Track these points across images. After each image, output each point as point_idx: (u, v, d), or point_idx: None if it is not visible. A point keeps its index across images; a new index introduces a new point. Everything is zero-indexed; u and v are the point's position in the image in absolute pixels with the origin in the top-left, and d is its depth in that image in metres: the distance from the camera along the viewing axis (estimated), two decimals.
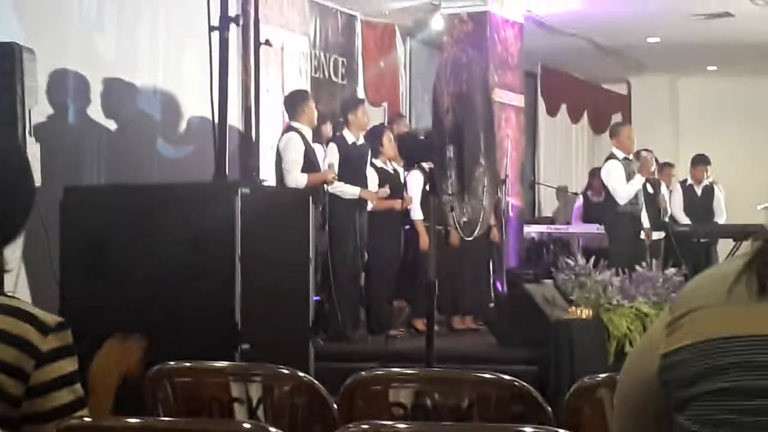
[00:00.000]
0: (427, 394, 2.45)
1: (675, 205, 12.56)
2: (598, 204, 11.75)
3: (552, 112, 16.17)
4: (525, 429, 2.29)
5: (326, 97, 11.80)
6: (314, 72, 11.65)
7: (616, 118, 17.48)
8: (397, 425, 2.18)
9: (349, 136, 8.90)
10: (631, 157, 10.53)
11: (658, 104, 17.17)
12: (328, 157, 8.64)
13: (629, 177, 10.35)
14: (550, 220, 14.60)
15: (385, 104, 13.14)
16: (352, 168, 8.68)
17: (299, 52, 10.75)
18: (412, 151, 6.24)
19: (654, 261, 8.58)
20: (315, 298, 8.90)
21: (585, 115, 16.96)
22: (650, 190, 11.35)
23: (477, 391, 2.45)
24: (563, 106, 16.38)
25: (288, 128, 8.50)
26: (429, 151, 5.62)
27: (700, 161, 12.91)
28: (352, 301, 8.84)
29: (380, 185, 9.22)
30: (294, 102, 8.43)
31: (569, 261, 7.60)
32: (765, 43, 14.06)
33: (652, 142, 16.66)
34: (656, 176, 11.70)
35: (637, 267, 8.37)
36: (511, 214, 12.58)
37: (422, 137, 6.61)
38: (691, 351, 1.52)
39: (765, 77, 16.06)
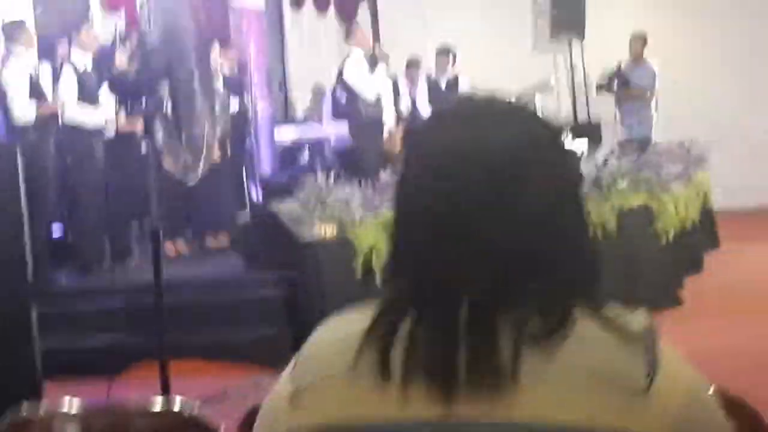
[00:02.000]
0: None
1: (420, 98, 12.52)
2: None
3: (296, 5, 15.83)
4: None
5: (58, 12, 11.19)
6: None
7: (363, 6, 17.34)
8: None
9: (78, 59, 8.44)
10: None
11: None
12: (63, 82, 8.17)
13: (372, 70, 10.22)
14: (301, 121, 14.39)
15: (121, 11, 12.58)
16: (88, 93, 8.24)
17: None
18: (122, 92, 5.91)
19: (395, 166, 8.48)
20: (57, 231, 8.59)
21: (331, 6, 16.68)
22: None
23: (148, 425, 2.25)
24: None
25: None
26: (140, 92, 5.31)
27: (443, 52, 12.87)
28: (96, 230, 8.49)
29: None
30: (6, 33, 7.93)
31: (310, 178, 7.43)
32: None
33: (400, 28, 16.67)
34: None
35: (381, 173, 8.31)
36: (260, 120, 12.36)
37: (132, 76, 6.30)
38: None
39: None
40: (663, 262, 8.53)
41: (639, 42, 13.46)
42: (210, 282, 7.66)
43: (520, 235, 1.40)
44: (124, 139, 8.64)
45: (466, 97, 1.60)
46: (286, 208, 7.49)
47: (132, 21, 12.25)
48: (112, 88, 7.50)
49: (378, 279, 7.52)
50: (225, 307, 7.30)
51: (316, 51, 16.36)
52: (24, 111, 7.65)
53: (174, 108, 7.76)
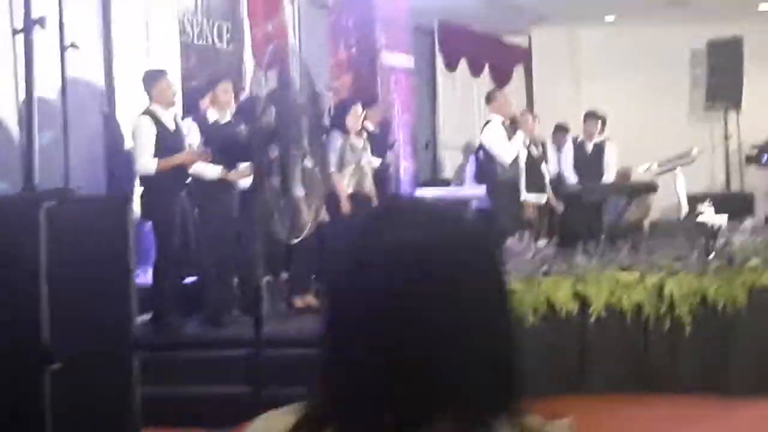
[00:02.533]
0: None
1: (565, 163, 12.46)
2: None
3: (451, 66, 15.99)
4: None
5: (211, 65, 11.55)
6: (196, 40, 11.38)
7: (518, 70, 17.41)
8: None
9: (212, 114, 8.66)
10: (508, 122, 10.46)
11: (558, 56, 17.06)
12: (189, 136, 8.40)
13: (510, 138, 10.28)
14: (446, 182, 14.46)
15: (276, 68, 12.88)
16: (216, 148, 8.44)
17: (169, 23, 10.44)
18: (229, 152, 6.01)
19: (527, 233, 8.48)
20: (190, 280, 8.76)
21: (486, 69, 16.79)
22: (534, 153, 11.28)
23: None
24: (463, 60, 16.21)
25: (143, 112, 8.22)
26: (248, 152, 5.40)
27: (592, 117, 12.77)
28: (225, 283, 8.66)
29: None
30: (144, 83, 8.15)
31: None
32: None
33: (554, 94, 16.67)
34: (539, 136, 11.65)
35: (509, 240, 8.28)
36: (403, 177, 12.45)
37: (241, 136, 6.40)
38: None
39: (663, 27, 15.99)
40: None
41: None
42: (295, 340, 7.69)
43: (446, 351, 1.38)
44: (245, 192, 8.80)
45: (394, 201, 1.56)
46: None
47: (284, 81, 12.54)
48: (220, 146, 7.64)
49: None
50: None
51: (467, 112, 16.47)
52: (147, 164, 7.88)
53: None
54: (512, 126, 10.44)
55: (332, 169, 9.93)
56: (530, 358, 6.02)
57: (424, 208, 1.48)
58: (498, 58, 16.94)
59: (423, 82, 15.79)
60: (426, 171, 14.62)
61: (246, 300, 8.74)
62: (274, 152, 5.70)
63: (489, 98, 10.71)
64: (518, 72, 17.42)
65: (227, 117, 8.73)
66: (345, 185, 10.07)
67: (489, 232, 1.47)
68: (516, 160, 10.44)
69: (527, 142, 10.97)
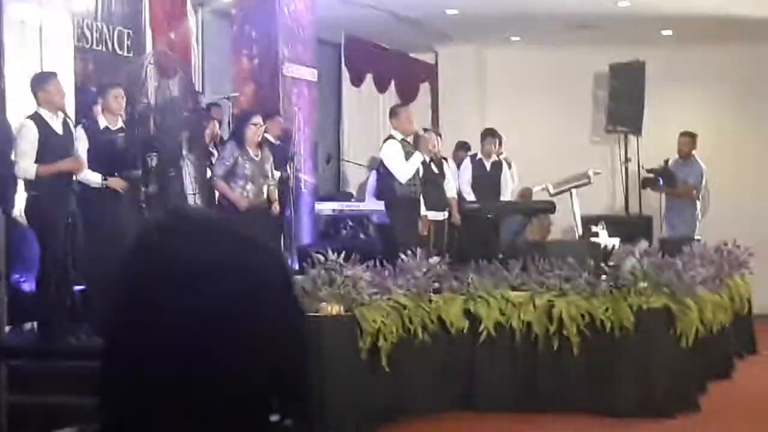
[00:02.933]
0: None
1: (463, 181, 12.49)
2: None
3: (357, 82, 15.96)
4: None
5: (111, 72, 11.36)
6: (96, 45, 11.20)
7: (424, 87, 17.42)
8: None
9: (102, 121, 8.51)
10: (409, 139, 10.44)
11: (464, 74, 17.11)
12: (79, 142, 8.23)
13: (408, 156, 10.26)
14: (348, 196, 14.41)
15: (177, 77, 12.75)
16: (102, 155, 8.29)
17: (64, 28, 10.25)
18: (111, 159, 5.88)
19: (419, 249, 8.45)
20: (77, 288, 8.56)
21: (392, 85, 16.79)
22: (435, 170, 11.28)
23: None
24: (369, 76, 16.18)
25: (29, 115, 8.01)
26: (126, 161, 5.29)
27: (489, 135, 12.83)
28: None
29: None
30: (32, 86, 7.98)
31: (319, 255, 7.38)
32: (565, 14, 14.09)
33: (460, 112, 16.73)
34: (440, 155, 11.67)
35: (402, 257, 8.25)
36: (303, 190, 12.38)
37: (121, 145, 6.29)
38: None
39: (568, 49, 16.15)
40: (683, 366, 8.33)
41: (687, 140, 13.31)
42: None
43: (228, 379, 1.33)
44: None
45: (183, 214, 1.47)
46: (301, 281, 7.46)
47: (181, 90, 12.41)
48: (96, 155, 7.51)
49: (383, 360, 7.45)
50: None
51: (372, 128, 16.45)
52: (27, 168, 7.71)
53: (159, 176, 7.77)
54: (414, 143, 10.43)
55: (221, 179, 9.86)
56: (420, 376, 6.01)
57: (206, 223, 1.41)
58: (404, 75, 16.94)
59: (328, 96, 15.75)
60: (330, 185, 14.56)
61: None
62: (154, 161, 5.60)
63: (391, 114, 10.69)
64: (425, 89, 17.44)
65: (119, 124, 8.59)
66: (239, 196, 9.98)
67: (271, 248, 1.41)
68: (416, 177, 10.41)
69: (427, 160, 10.96)
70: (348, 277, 7.29)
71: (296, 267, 11.14)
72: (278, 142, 11.55)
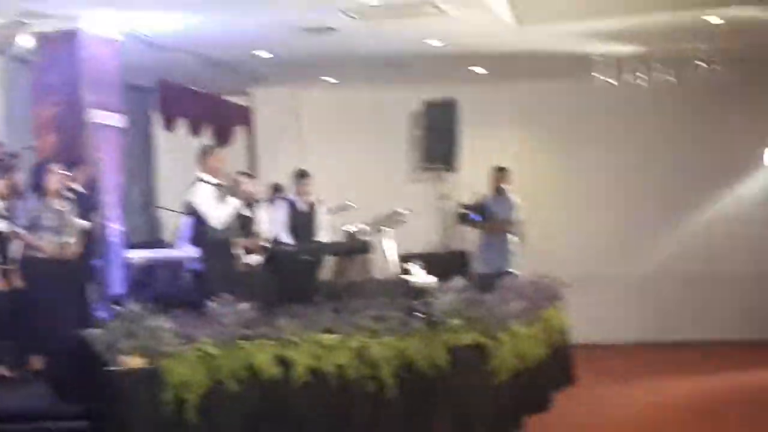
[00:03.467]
0: None
1: (278, 224, 12.27)
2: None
3: (170, 126, 15.64)
4: None
5: None
6: None
7: (241, 130, 17.22)
8: None
9: None
10: (224, 181, 10.20)
11: (280, 116, 17.00)
12: None
13: (221, 199, 10.03)
14: (164, 243, 14.09)
15: None
16: None
17: None
18: None
19: (227, 295, 8.21)
20: None
21: (208, 128, 16.52)
22: (248, 213, 11.06)
23: None
24: (182, 120, 15.89)
25: None
26: None
27: (301, 176, 12.64)
28: None
29: None
30: None
31: (117, 307, 7.07)
32: (372, 55, 14.08)
33: (278, 154, 16.57)
34: (254, 196, 11.48)
35: (209, 303, 7.99)
36: (113, 239, 12.00)
37: None
38: None
39: (383, 87, 16.17)
40: (499, 400, 8.27)
41: (498, 174, 13.42)
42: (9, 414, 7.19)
43: None
44: None
45: None
46: (95, 335, 7.13)
47: None
48: None
49: (192, 413, 7.17)
50: None
51: (187, 172, 16.12)
52: None
53: None
54: (228, 187, 10.19)
55: (24, 231, 9.49)
56: (231, 427, 5.74)
57: None
58: (219, 118, 16.72)
59: (140, 141, 15.40)
60: (144, 232, 14.20)
61: None
62: None
63: (199, 157, 10.39)
64: (241, 131, 17.24)
65: None
66: (44, 247, 9.60)
67: None
68: (230, 221, 10.15)
69: (241, 203, 10.73)
70: (149, 328, 6.99)
71: (108, 319, 10.80)
72: (85, 191, 11.19)
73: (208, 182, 10.13)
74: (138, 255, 12.39)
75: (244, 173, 11.29)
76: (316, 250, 12.07)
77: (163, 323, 7.12)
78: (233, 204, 10.18)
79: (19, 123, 12.65)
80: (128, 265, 12.22)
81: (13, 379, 8.91)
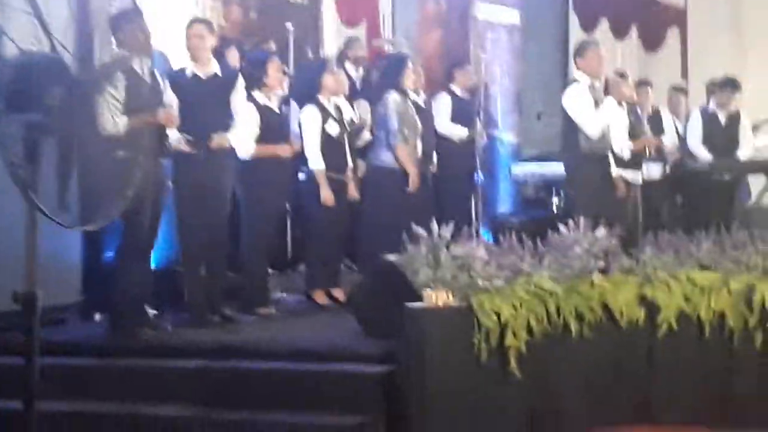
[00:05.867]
0: None
1: (693, 137, 10.34)
2: None
3: (588, 26, 13.97)
4: None
5: (280, 19, 10.00)
6: None
7: (672, 33, 15.35)
8: None
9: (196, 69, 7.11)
10: (597, 84, 8.53)
11: (718, 18, 14.89)
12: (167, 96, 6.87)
13: (597, 104, 8.38)
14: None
15: (363, 24, 11.25)
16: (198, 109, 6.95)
17: None
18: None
19: (573, 222, 6.61)
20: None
21: (633, 31, 14.76)
22: (631, 120, 9.26)
23: None
24: (603, 20, 14.19)
25: None
26: None
27: (728, 85, 10.52)
28: (217, 274, 7.16)
29: (262, 126, 7.48)
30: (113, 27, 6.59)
31: (421, 230, 5.68)
32: None
33: (713, 62, 14.50)
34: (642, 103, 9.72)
35: (549, 231, 6.48)
36: (500, 150, 10.71)
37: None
38: None
39: None
40: None
41: None
42: (292, 352, 6.04)
43: None
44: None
45: None
46: (401, 261, 5.82)
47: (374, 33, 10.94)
48: None
49: (513, 363, 5.74)
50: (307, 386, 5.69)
51: None
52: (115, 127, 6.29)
53: None
54: (598, 90, 8.50)
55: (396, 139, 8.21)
56: (572, 387, 4.05)
57: None
58: (647, 17, 14.88)
59: (552, 45, 13.92)
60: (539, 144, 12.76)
61: None
62: None
63: (577, 53, 8.70)
64: (672, 36, 15.35)
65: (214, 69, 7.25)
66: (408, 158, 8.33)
67: None
68: (604, 131, 8.46)
69: (624, 108, 9.00)
70: (457, 257, 5.58)
71: (491, 240, 9.47)
72: (464, 95, 9.92)
73: (583, 84, 8.48)
74: (523, 170, 10.97)
75: (625, 75, 9.47)
76: (737, 168, 10.13)
77: (477, 250, 5.68)
78: (613, 108, 8.48)
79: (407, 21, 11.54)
80: (517, 182, 10.89)
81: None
